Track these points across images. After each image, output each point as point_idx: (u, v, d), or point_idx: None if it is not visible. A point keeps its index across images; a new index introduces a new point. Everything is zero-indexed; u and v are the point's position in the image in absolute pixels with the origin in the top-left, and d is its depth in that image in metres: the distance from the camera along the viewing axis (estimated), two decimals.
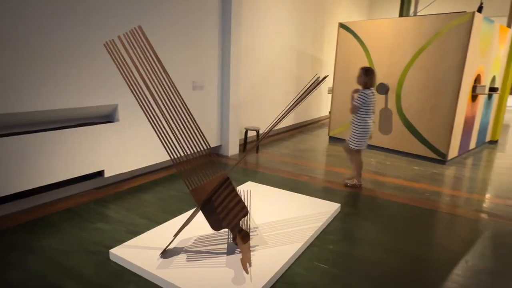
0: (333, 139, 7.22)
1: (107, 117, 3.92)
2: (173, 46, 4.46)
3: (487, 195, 4.33)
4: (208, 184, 2.52)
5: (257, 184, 4.26)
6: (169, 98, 2.41)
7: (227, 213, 2.54)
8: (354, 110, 4.13)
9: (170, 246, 2.65)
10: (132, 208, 3.53)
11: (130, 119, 4.02)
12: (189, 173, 2.48)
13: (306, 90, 2.39)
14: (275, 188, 4.12)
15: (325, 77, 2.52)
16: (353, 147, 4.24)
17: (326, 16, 9.09)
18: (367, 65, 6.37)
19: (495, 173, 5.32)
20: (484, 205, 4.01)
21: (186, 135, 2.44)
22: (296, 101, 2.42)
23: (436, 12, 6.80)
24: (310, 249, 2.84)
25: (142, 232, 2.92)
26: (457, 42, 5.31)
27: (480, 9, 5.70)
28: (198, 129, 2.48)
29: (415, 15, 8.21)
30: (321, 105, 9.62)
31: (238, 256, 2.56)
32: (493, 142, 7.47)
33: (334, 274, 2.52)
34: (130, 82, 2.36)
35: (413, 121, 5.95)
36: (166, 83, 2.39)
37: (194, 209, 2.68)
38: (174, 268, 2.39)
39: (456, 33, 5.30)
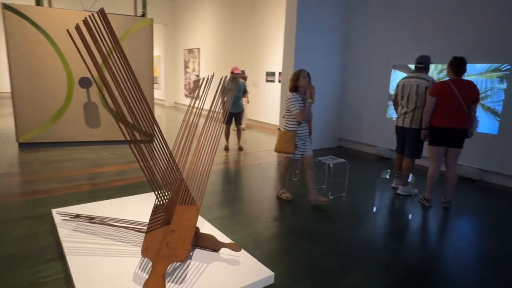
0: (27, 146, 5.98)
1: None
2: None
3: None
4: (174, 194, 2.31)
5: (71, 207, 3.36)
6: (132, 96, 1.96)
7: None
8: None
9: None
10: None
11: None
12: (159, 185, 2.17)
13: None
14: (91, 203, 3.52)
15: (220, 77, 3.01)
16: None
17: None
18: (56, 56, 5.87)
19: None
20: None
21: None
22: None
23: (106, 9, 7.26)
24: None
25: None
26: (144, 40, 6.40)
27: (143, 15, 6.96)
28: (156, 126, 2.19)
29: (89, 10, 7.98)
30: None
31: (201, 253, 2.60)
32: None
33: (244, 228, 3.29)
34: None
35: (120, 111, 6.46)
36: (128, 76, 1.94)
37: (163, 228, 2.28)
38: None
39: (143, 33, 6.36)
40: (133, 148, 1.94)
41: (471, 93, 3.71)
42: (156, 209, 2.38)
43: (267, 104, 9.34)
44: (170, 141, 7.00)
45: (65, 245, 2.63)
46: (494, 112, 5.05)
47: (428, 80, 4.10)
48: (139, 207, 3.44)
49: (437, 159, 3.93)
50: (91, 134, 6.33)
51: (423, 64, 4.19)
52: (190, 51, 12.70)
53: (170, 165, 2.34)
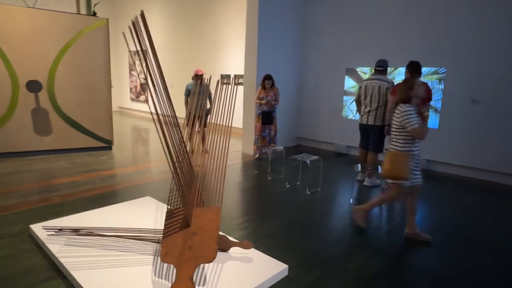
0: None
1: None
2: None
3: None
4: (192, 194, 2.30)
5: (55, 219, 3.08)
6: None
7: None
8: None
9: None
10: None
11: None
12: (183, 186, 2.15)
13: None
14: (73, 215, 3.27)
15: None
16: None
17: None
18: None
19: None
20: None
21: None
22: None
23: (45, 7, 6.63)
24: None
25: None
26: (99, 42, 6.03)
27: (94, 14, 6.52)
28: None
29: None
30: None
31: None
32: None
33: (238, 228, 3.35)
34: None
35: (74, 117, 6.02)
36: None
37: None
38: None
39: (97, 34, 5.99)
40: (165, 149, 1.92)
41: (426, 93, 4.24)
42: (171, 214, 2.35)
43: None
44: (128, 148, 6.63)
45: (64, 261, 2.45)
46: (435, 109, 5.79)
47: (388, 81, 4.58)
48: (128, 215, 3.31)
49: None
50: (41, 142, 5.77)
51: (382, 67, 4.67)
52: (136, 53, 12.14)
53: (189, 168, 2.34)
